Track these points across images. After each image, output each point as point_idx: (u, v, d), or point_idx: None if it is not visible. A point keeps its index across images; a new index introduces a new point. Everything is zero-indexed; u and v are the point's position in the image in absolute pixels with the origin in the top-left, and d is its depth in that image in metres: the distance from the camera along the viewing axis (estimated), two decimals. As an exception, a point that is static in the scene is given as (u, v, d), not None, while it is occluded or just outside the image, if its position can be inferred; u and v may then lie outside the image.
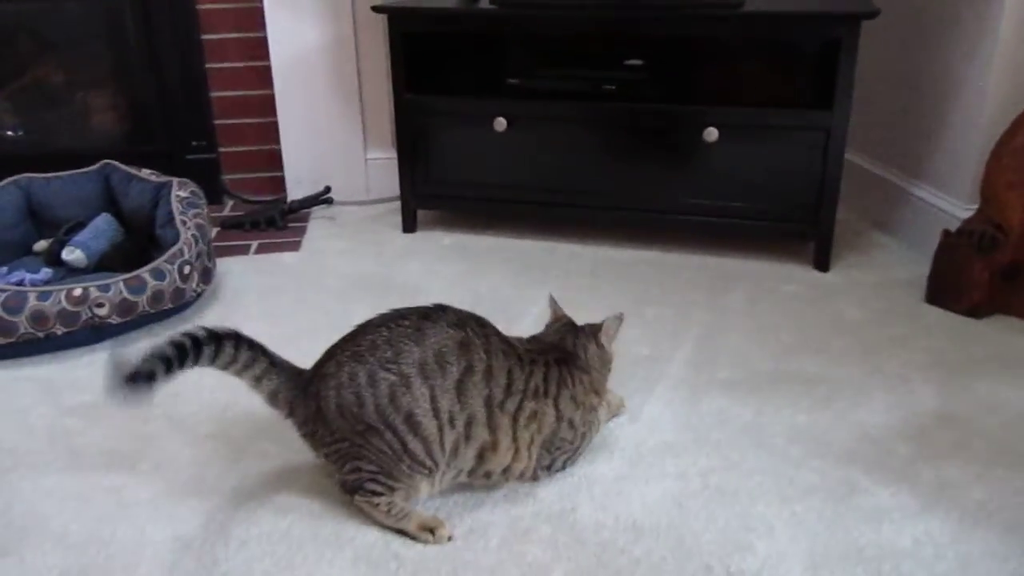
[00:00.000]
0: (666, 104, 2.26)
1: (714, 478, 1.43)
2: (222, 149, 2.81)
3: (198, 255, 1.96)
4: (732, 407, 1.63)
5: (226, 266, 2.29)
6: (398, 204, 2.60)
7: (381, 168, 2.81)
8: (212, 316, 2.01)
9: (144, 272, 1.85)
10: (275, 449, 1.51)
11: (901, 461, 1.47)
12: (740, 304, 2.08)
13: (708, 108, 2.21)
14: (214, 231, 2.56)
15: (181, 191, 2.08)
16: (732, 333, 1.93)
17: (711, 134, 2.20)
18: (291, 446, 1.50)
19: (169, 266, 1.88)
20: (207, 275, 2.02)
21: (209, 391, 1.70)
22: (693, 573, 1.22)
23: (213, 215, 2.65)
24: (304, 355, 1.87)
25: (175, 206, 2.01)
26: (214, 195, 2.78)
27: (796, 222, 2.24)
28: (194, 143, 2.75)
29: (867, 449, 1.50)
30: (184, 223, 1.98)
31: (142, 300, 1.83)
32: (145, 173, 2.19)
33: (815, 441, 1.53)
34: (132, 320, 1.85)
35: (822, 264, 2.25)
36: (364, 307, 2.10)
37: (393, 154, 2.77)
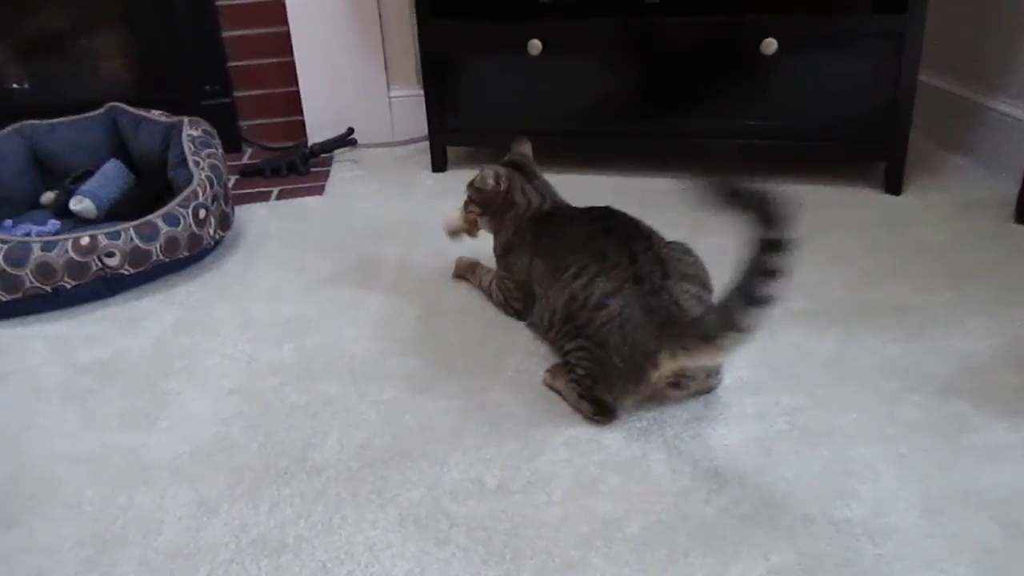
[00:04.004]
0: (718, 15, 2.05)
1: (801, 417, 1.26)
2: (237, 93, 2.65)
3: (214, 198, 1.80)
4: (811, 339, 1.45)
5: (246, 213, 2.14)
6: (425, 144, 2.43)
7: (405, 106, 2.64)
8: (233, 264, 1.86)
9: (156, 217, 1.69)
10: (304, 401, 1.35)
11: (1012, 391, 1.29)
12: (808, 230, 1.88)
13: (766, 17, 2.00)
14: (232, 179, 2.40)
15: (192, 130, 1.92)
16: (802, 262, 1.73)
17: (769, 46, 1.99)
18: (321, 398, 1.35)
19: (183, 210, 1.73)
20: (225, 221, 1.87)
21: (232, 342, 1.55)
22: (790, 526, 1.05)
23: (231, 164, 2.49)
24: (333, 299, 1.72)
25: (187, 146, 1.85)
26: (231, 143, 2.62)
27: (865, 142, 2.04)
28: (208, 87, 2.59)
29: (971, 380, 1.32)
30: (197, 163, 1.82)
31: (155, 248, 1.68)
32: (155, 114, 2.03)
33: (911, 373, 1.35)
34: (146, 270, 1.70)
35: (894, 186, 2.05)
36: (396, 249, 1.96)
37: (417, 91, 2.60)
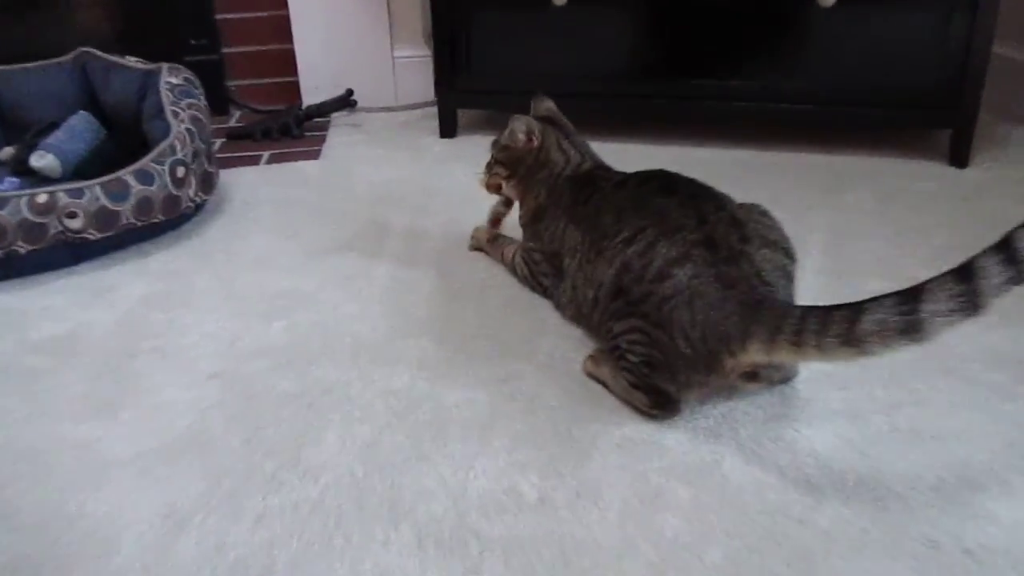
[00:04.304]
0: (767, -39, 1.83)
1: (902, 416, 1.04)
2: (226, 50, 2.41)
3: (194, 155, 1.56)
4: (897, 325, 1.23)
5: (233, 177, 1.90)
6: (432, 111, 2.20)
7: (411, 68, 2.40)
8: (216, 231, 1.63)
9: (126, 174, 1.46)
10: (298, 389, 1.13)
11: None
12: (868, 204, 1.67)
13: (823, -38, 1.78)
14: (218, 143, 2.16)
15: (172, 77, 1.68)
16: (866, 237, 1.53)
17: (827, -5, 1.77)
18: (318, 386, 1.12)
19: (158, 167, 1.49)
20: (208, 182, 1.63)
21: (213, 318, 1.32)
22: (912, 552, 0.83)
23: (217, 127, 2.25)
24: (332, 270, 1.49)
25: (164, 95, 1.62)
26: (218, 104, 2.39)
27: (930, 108, 1.82)
28: (193, 42, 2.35)
29: (1094, 374, 1.10)
30: (176, 114, 1.58)
31: (125, 209, 1.45)
32: (130, 61, 1.79)
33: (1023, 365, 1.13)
34: (115, 235, 1.47)
35: (960, 158, 1.84)
36: (403, 216, 1.72)
37: (424, 52, 2.37)
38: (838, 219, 1.61)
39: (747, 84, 1.91)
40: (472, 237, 1.50)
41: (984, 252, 0.81)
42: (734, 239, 1.02)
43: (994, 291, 0.79)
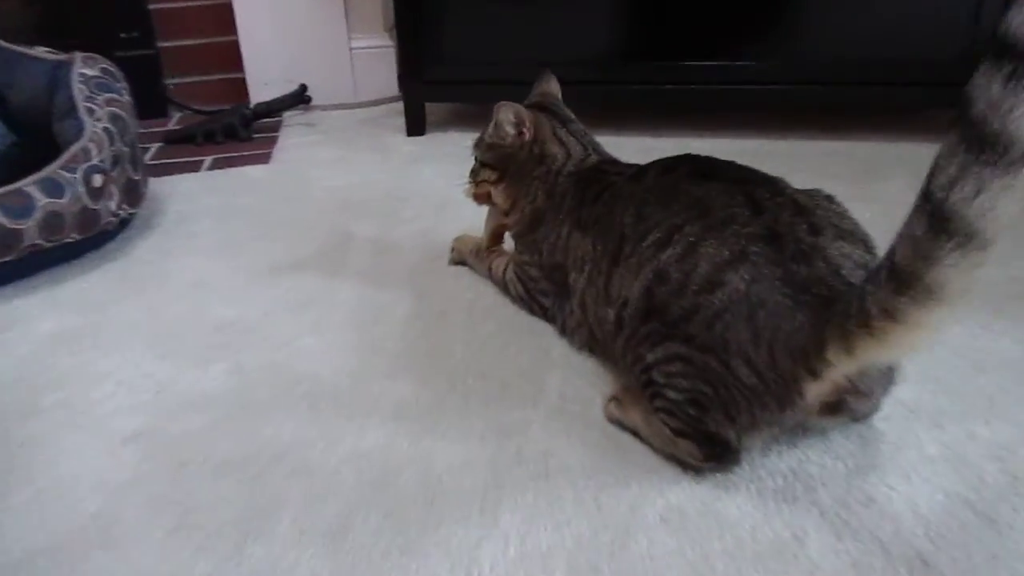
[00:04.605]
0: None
1: (1019, 461, 0.81)
2: (162, 43, 2.14)
3: (115, 159, 1.30)
4: (979, 337, 1.02)
5: (168, 186, 1.64)
6: (397, 106, 1.97)
7: (371, 59, 2.15)
8: (145, 251, 1.36)
9: (29, 184, 1.20)
10: (241, 456, 0.87)
11: None
12: (906, 195, 1.44)
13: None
14: (154, 147, 1.90)
15: (87, 68, 1.42)
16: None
17: (847, -43, 1.55)
18: (268, 450, 0.87)
19: (69, 174, 1.23)
20: (134, 192, 1.37)
21: (136, 360, 1.06)
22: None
23: (153, 130, 1.99)
24: (285, 295, 1.22)
25: (77, 89, 1.35)
26: (154, 105, 2.13)
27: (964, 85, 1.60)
28: (124, 35, 2.08)
29: None
30: (91, 112, 1.32)
31: (29, 227, 1.19)
32: (39, 51, 1.51)
33: None
34: (17, 260, 1.20)
35: (998, 140, 1.62)
36: (369, 227, 1.44)
37: (385, 41, 2.13)
38: (874, 212, 1.38)
39: (751, 64, 1.68)
40: (453, 249, 1.26)
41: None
42: (802, 230, 0.78)
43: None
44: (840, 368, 0.71)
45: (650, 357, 0.82)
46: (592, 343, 0.99)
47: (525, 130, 1.08)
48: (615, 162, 1.09)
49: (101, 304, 1.20)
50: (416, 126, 1.91)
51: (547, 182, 1.07)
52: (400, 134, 1.92)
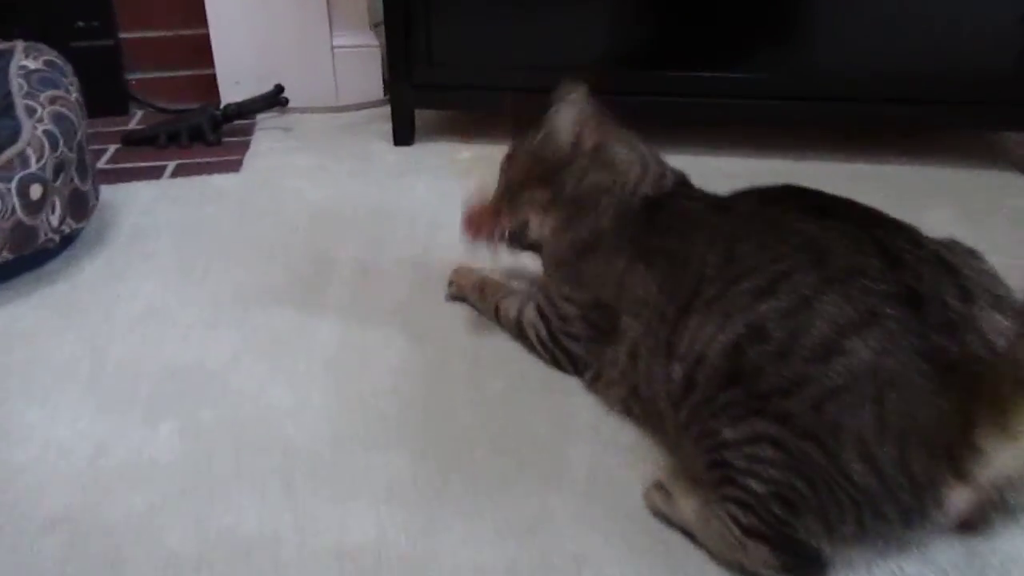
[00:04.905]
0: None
1: None
2: (124, 34, 1.95)
3: (58, 167, 1.11)
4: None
5: (123, 195, 1.44)
6: (383, 111, 1.79)
7: (355, 59, 1.98)
8: (91, 273, 1.17)
9: (-50, 195, 1.00)
10: (194, 552, 0.69)
11: None
12: (957, 227, 1.30)
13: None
14: (111, 149, 1.71)
15: (29, 60, 1.22)
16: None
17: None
18: (227, 544, 0.69)
19: (1, 184, 1.04)
20: (80, 204, 1.19)
21: (68, 414, 0.87)
22: None
23: (113, 130, 1.80)
24: (253, 332, 1.05)
25: (16, 84, 1.16)
26: (114, 102, 1.94)
27: (1014, 104, 1.46)
28: (81, 24, 1.88)
29: None
30: (31, 111, 1.13)
31: (-52, 246, 0.99)
32: (-26, 40, 1.32)
33: None
34: (-66, 283, 1.01)
35: (1052, 168, 1.49)
36: (350, 249, 1.23)
37: (370, 40, 1.95)
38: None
39: (773, 75, 1.53)
40: (451, 283, 1.09)
41: None
42: (951, 294, 0.62)
43: None
44: (996, 456, 0.55)
45: (728, 434, 0.65)
46: (633, 404, 0.83)
47: (586, 136, 0.91)
48: (689, 185, 0.93)
49: (33, 338, 1.01)
50: (404, 134, 1.74)
51: (619, 200, 0.89)
52: (386, 142, 1.74)
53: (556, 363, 0.93)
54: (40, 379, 0.93)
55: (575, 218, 0.90)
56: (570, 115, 0.90)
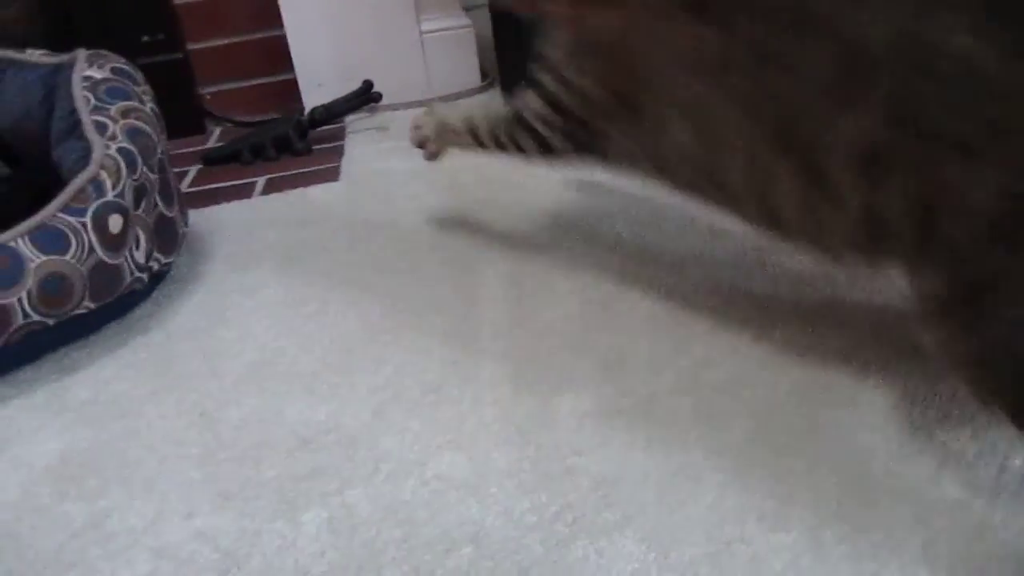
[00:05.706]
0: None
1: None
2: (192, 45, 1.77)
3: (139, 192, 0.92)
4: None
5: (212, 219, 1.25)
6: (480, 99, 1.57)
7: (447, 44, 1.77)
8: (187, 318, 0.97)
9: (15, 237, 0.81)
10: None
11: None
12: None
13: None
14: (192, 171, 1.53)
15: (94, 70, 1.03)
16: None
17: None
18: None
19: (73, 218, 0.85)
20: (169, 235, 0.99)
21: (183, 507, 0.66)
22: None
23: (189, 150, 1.62)
24: (399, 380, 0.80)
25: (81, 98, 0.97)
26: (189, 120, 1.76)
27: None
28: (146, 38, 1.71)
29: None
30: (102, 128, 0.94)
31: (14, 301, 0.80)
32: (32, 54, 1.14)
33: None
34: (3, 348, 0.82)
35: None
36: (497, 254, 1.01)
37: (461, 20, 1.74)
38: None
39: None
40: (414, 127, 1.05)
41: None
42: None
43: None
44: None
45: None
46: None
47: None
48: None
49: (127, 406, 0.81)
50: (515, 120, 1.51)
51: None
52: (495, 133, 1.51)
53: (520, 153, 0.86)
54: (141, 462, 0.73)
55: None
56: None
